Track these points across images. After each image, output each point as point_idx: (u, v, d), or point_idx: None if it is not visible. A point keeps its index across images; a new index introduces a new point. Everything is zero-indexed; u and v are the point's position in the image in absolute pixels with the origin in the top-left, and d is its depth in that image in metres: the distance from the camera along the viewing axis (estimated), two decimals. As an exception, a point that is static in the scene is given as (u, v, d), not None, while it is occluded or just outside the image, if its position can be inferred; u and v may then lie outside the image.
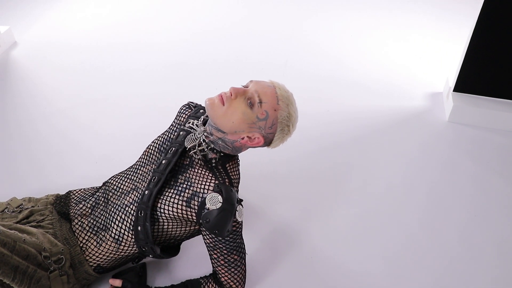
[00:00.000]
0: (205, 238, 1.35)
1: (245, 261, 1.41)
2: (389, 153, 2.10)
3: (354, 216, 1.80)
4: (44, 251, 1.33)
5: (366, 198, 1.88)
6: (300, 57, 2.83)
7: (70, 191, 1.60)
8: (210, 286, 1.41)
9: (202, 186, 1.31)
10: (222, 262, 1.37)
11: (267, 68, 2.71)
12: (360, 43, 2.97)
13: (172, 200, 1.32)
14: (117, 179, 1.50)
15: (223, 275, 1.39)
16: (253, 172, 1.93)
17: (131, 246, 1.39)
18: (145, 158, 1.48)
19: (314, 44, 2.96)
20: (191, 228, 1.39)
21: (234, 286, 1.41)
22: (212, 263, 1.40)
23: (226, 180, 1.34)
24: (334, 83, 2.59)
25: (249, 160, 1.84)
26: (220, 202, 1.26)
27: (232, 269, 1.38)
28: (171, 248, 1.52)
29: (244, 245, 1.41)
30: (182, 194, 1.32)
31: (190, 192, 1.32)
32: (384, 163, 2.05)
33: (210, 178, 1.33)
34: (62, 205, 1.54)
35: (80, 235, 1.44)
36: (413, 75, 2.67)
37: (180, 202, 1.32)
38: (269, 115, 1.28)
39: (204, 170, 1.35)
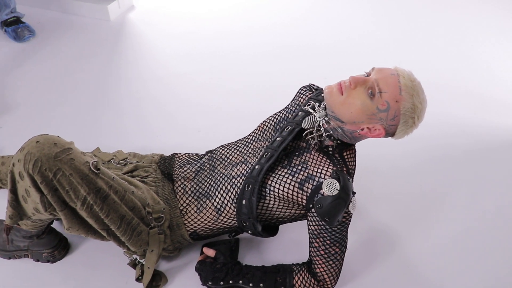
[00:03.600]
0: (311, 224, 1.29)
1: (344, 256, 1.34)
2: (501, 175, 1.94)
3: (458, 234, 1.66)
4: (148, 207, 1.33)
5: (472, 217, 1.73)
6: (412, 58, 2.68)
7: (175, 153, 1.60)
8: (303, 274, 1.35)
9: (319, 171, 1.25)
10: (322, 252, 1.30)
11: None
12: (480, 53, 2.76)
13: (284, 179, 1.27)
14: (226, 148, 1.48)
15: (319, 266, 1.33)
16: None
17: (231, 218, 1.36)
18: (259, 133, 1.44)
19: (429, 46, 2.80)
20: (296, 211, 1.34)
21: (328, 279, 1.34)
22: (310, 251, 1.34)
23: (344, 168, 1.27)
24: (445, 92, 2.42)
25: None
26: (337, 189, 1.19)
27: (331, 262, 1.32)
28: (270, 227, 1.48)
29: (347, 239, 1.34)
30: (296, 175, 1.27)
31: (305, 174, 1.26)
32: (495, 183, 1.88)
33: (328, 163, 1.26)
34: (166, 165, 1.54)
35: (181, 198, 1.43)
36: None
37: (292, 183, 1.26)
38: (390, 106, 1.18)
39: (322, 155, 1.29)
